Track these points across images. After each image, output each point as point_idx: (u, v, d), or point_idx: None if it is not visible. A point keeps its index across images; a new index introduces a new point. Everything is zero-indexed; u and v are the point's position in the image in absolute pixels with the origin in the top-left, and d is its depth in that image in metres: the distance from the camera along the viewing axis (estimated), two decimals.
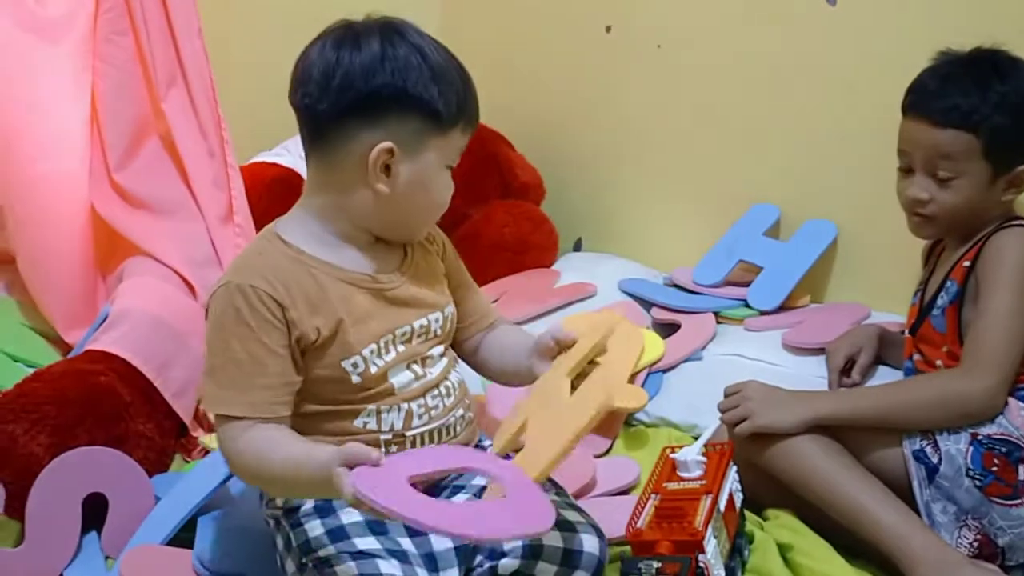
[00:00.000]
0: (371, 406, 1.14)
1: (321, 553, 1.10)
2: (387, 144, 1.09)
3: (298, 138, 1.95)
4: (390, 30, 1.11)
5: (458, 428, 1.22)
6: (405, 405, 1.16)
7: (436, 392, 1.19)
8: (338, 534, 1.09)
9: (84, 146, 1.69)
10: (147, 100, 1.72)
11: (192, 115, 1.72)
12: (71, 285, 1.70)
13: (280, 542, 1.16)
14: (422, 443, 1.18)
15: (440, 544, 1.10)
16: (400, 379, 1.16)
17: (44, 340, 1.73)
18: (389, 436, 1.15)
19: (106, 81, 1.68)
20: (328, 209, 1.15)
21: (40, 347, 1.70)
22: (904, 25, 1.61)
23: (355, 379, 1.13)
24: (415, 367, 1.18)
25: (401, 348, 1.16)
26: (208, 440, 1.57)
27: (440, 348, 1.22)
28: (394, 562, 0.96)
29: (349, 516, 1.10)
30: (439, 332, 1.21)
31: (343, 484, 0.93)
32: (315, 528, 1.11)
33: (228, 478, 1.34)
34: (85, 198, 1.69)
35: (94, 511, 1.33)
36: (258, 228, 1.72)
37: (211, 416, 1.12)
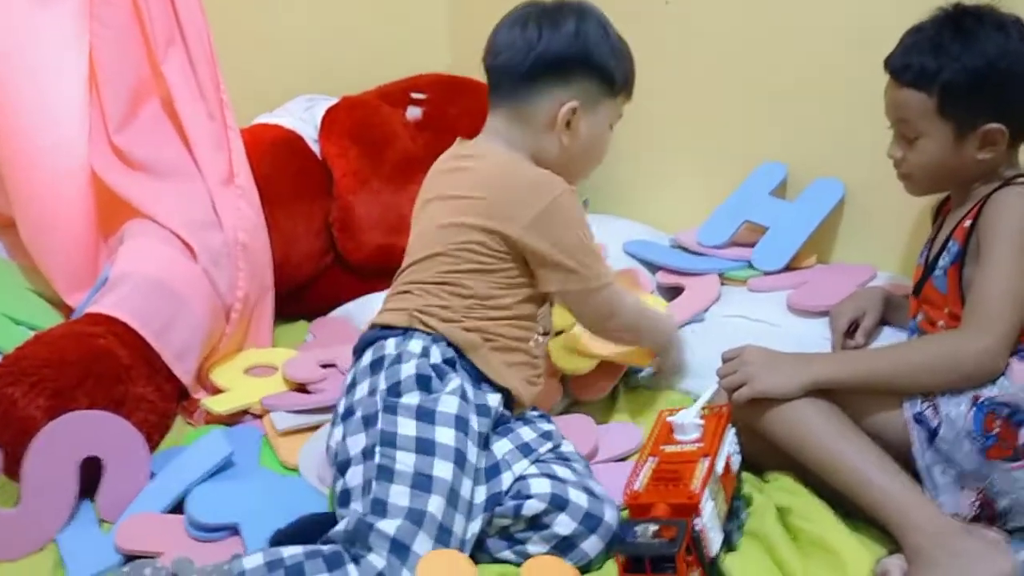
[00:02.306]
0: (547, 305, 1.39)
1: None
2: (574, 103, 1.32)
3: (299, 99, 1.97)
4: (582, 10, 1.33)
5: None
6: (547, 311, 1.41)
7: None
8: (424, 445, 1.18)
9: (83, 109, 1.65)
10: (146, 62, 1.68)
11: (191, 77, 1.69)
12: (72, 248, 1.68)
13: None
14: (541, 350, 1.40)
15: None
16: None
17: (46, 303, 1.71)
18: (541, 332, 1.38)
19: (104, 43, 1.64)
20: (521, 152, 1.34)
21: (42, 310, 1.68)
22: None
23: None
24: None
25: None
26: (210, 402, 1.56)
27: None
28: (449, 465, 1.15)
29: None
30: None
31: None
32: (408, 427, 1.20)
33: (229, 455, 1.37)
34: (85, 161, 1.66)
35: (91, 479, 1.32)
36: (260, 190, 1.73)
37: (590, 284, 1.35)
